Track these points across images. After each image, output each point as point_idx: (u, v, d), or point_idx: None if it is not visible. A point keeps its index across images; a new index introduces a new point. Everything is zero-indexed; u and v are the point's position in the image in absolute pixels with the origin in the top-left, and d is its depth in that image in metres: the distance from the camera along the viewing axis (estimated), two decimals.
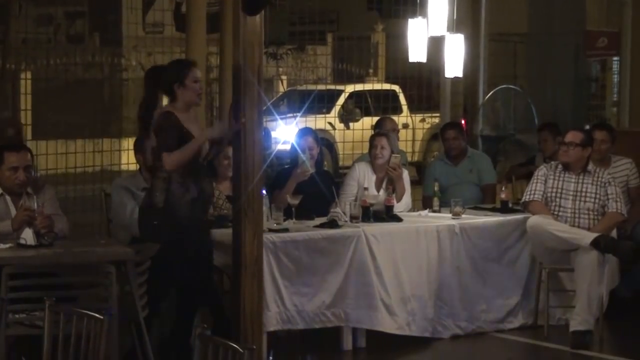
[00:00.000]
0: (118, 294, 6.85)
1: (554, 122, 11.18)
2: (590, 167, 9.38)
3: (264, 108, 8.11)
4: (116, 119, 17.48)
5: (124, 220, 8.48)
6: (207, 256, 7.80)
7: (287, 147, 10.30)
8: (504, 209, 9.83)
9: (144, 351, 7.15)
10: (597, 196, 9.25)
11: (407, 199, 9.77)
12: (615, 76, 14.93)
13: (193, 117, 7.70)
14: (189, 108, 7.63)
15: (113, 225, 8.92)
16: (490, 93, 13.18)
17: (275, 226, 8.38)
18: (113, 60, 19.23)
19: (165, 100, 7.84)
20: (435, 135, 13.72)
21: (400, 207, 9.50)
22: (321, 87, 21.19)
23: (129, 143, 11.77)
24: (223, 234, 8.09)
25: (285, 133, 14.71)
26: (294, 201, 8.75)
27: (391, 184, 9.56)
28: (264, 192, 8.09)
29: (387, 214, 9.15)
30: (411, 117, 19.61)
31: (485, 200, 10.52)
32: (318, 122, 18.42)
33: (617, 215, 9.23)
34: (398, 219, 9.11)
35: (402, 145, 12.12)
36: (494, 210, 9.89)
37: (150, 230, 7.53)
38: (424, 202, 10.45)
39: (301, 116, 17.73)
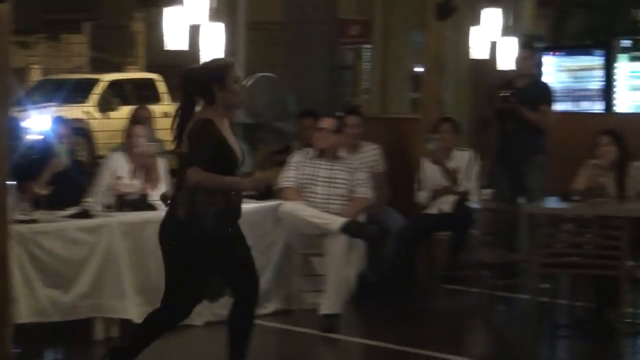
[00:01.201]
0: None
1: (313, 109, 11.32)
2: (342, 153, 9.56)
3: (16, 98, 7.85)
4: None
5: None
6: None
7: (40, 137, 10.12)
8: (259, 195, 9.89)
9: None
10: (347, 182, 9.42)
11: (163, 187, 9.74)
12: (367, 64, 15.31)
13: (227, 125, 6.87)
14: (227, 113, 6.89)
15: None
16: (249, 81, 13.20)
17: (21, 217, 8.14)
18: None
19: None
20: None
21: (156, 196, 9.46)
22: (76, 76, 21.00)
23: None
24: None
25: (38, 123, 14.41)
26: (43, 191, 8.65)
27: (148, 173, 9.53)
28: (12, 182, 7.84)
29: (142, 203, 9.09)
30: (171, 105, 19.64)
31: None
32: (74, 111, 18.27)
33: (364, 200, 9.44)
34: (153, 208, 9.07)
35: (163, 134, 12.06)
36: (249, 197, 9.84)
37: (171, 244, 6.79)
38: None
39: (57, 106, 17.52)
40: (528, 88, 10.73)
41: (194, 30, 9.41)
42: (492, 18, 12.02)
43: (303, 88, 13.67)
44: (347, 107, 12.33)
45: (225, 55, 10.10)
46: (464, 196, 10.05)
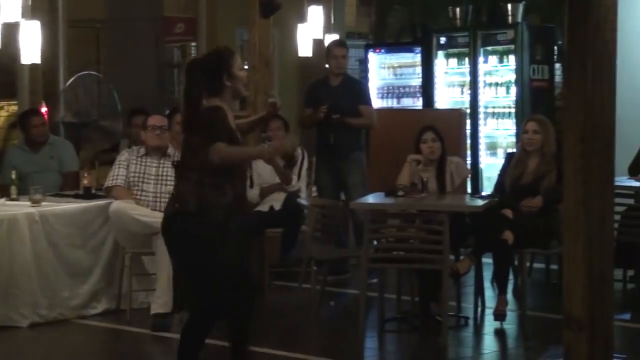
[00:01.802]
0: None
1: (143, 107, 11.23)
2: (170, 151, 9.50)
3: None
4: None
5: None
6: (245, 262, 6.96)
7: None
8: (87, 195, 9.79)
9: None
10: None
11: None
12: None
13: (231, 113, 6.77)
14: (233, 101, 6.91)
15: None
16: (71, 80, 13.03)
17: None
18: None
19: None
20: (15, 124, 13.44)
21: None
22: None
23: None
24: None
25: None
26: None
27: None
28: None
29: None
30: None
31: (66, 187, 10.42)
32: None
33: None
34: None
35: None
36: (77, 196, 9.80)
37: (179, 238, 6.59)
38: (1, 191, 10.08)
39: None
40: (343, 86, 10.89)
41: (9, 29, 9.14)
42: (315, 16, 12.07)
43: (129, 86, 13.58)
44: (175, 105, 12.20)
45: (43, 53, 9.94)
46: (294, 193, 10.09)
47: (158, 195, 9.33)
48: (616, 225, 9.56)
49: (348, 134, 10.74)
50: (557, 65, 14.26)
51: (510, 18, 14.48)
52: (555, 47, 14.53)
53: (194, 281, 6.75)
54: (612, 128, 5.13)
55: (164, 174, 9.39)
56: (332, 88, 10.90)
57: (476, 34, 14.50)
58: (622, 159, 8.78)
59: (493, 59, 14.40)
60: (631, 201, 10.10)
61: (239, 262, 6.62)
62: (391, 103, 15.05)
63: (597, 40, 5.03)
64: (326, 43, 11.70)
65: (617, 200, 9.34)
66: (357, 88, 11.25)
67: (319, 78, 11.47)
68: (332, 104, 10.60)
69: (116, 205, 9.26)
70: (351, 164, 10.79)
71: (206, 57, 7.09)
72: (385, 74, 15.45)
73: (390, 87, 15.33)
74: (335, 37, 12.35)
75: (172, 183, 9.17)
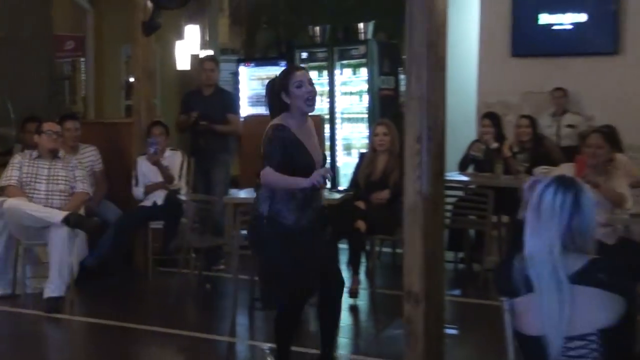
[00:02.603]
0: None
1: (35, 115, 11.04)
2: (61, 153, 9.43)
3: None
4: None
5: None
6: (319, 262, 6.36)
7: None
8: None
9: None
10: (67, 179, 9.32)
11: None
12: (83, 75, 15.13)
13: (309, 130, 6.37)
14: (303, 117, 6.34)
15: None
16: None
17: None
18: None
19: None
20: None
21: None
22: None
23: None
24: None
25: None
26: None
27: None
28: None
29: None
30: None
31: None
32: None
33: (83, 194, 9.39)
34: None
35: None
36: None
37: (257, 241, 6.33)
38: None
39: None
40: (214, 96, 10.93)
41: None
42: (192, 34, 12.05)
43: (23, 97, 13.34)
44: (65, 113, 12.04)
45: None
46: (175, 190, 10.06)
47: (50, 193, 9.23)
48: (448, 214, 9.78)
49: (216, 138, 10.77)
50: (402, 77, 14.43)
51: (362, 35, 14.64)
52: (401, 61, 14.71)
53: (275, 278, 6.39)
54: (443, 130, 5.23)
55: (55, 174, 9.31)
56: (204, 97, 10.89)
57: (333, 49, 14.64)
58: (453, 156, 8.96)
59: (348, 71, 14.56)
60: (461, 193, 10.28)
61: (311, 257, 6.21)
62: (260, 110, 15.05)
63: (431, 56, 5.14)
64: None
65: (449, 192, 9.55)
66: (226, 98, 11.27)
67: (193, 88, 11.46)
68: (202, 112, 10.61)
69: (9, 202, 9.10)
70: (217, 164, 10.82)
71: (274, 77, 6.58)
72: (255, 85, 15.48)
73: (259, 97, 15.33)
74: (210, 52, 12.33)
75: (63, 182, 9.26)
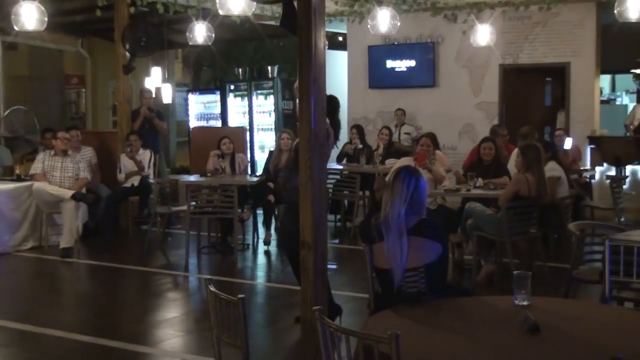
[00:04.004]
0: None
1: (51, 127, 10.80)
2: (70, 152, 9.28)
3: None
4: None
5: None
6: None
7: None
8: (19, 179, 9.43)
9: None
10: (74, 169, 9.18)
11: None
12: (83, 100, 14.82)
13: None
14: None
15: None
16: (8, 111, 12.45)
17: None
18: None
19: None
20: None
21: None
22: None
23: None
24: None
25: None
26: None
27: None
28: None
29: None
30: None
31: (6, 174, 9.92)
32: None
33: (84, 179, 9.27)
34: None
35: None
36: (13, 180, 9.42)
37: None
38: None
39: None
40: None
41: None
42: (156, 72, 11.88)
43: (45, 115, 13.07)
44: (71, 125, 11.81)
45: None
46: (146, 176, 9.97)
47: (62, 178, 9.12)
48: (330, 190, 9.87)
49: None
50: (297, 101, 14.46)
51: (270, 74, 14.63)
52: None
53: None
54: (322, 134, 5.20)
55: (66, 166, 9.19)
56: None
57: (251, 83, 14.59)
58: (333, 152, 9.06)
59: (261, 98, 14.51)
60: (338, 176, 10.35)
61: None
62: (203, 123, 14.94)
63: (314, 87, 5.11)
64: (163, 89, 11.52)
65: (330, 176, 9.65)
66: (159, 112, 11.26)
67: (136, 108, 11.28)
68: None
69: (36, 185, 9.02)
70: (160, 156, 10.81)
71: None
72: (200, 107, 15.33)
73: (203, 114, 15.22)
74: (168, 86, 12.11)
75: (72, 171, 9.11)
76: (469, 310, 3.61)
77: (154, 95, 11.03)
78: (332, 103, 5.85)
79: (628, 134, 13.36)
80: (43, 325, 5.97)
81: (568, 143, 10.04)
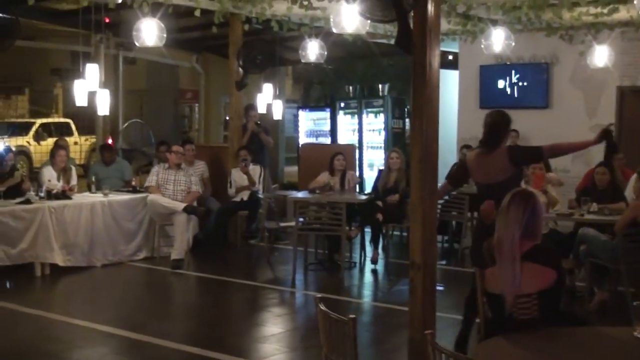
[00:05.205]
0: None
1: (165, 140, 11.18)
2: (183, 165, 9.54)
3: None
4: None
5: None
6: None
7: None
8: (134, 190, 9.78)
9: None
10: (186, 183, 9.42)
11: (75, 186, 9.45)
12: (197, 115, 15.27)
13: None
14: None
15: None
16: (126, 124, 12.92)
17: None
18: None
19: None
20: (95, 148, 13.31)
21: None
22: (21, 120, 20.63)
23: None
24: None
25: None
26: (2, 188, 8.41)
27: (65, 177, 9.27)
28: None
29: (62, 195, 8.80)
30: (79, 137, 19.17)
31: (127, 186, 10.30)
32: (19, 141, 17.77)
33: (196, 193, 9.54)
34: (69, 198, 8.82)
35: (74, 155, 11.77)
36: (129, 192, 9.76)
37: None
38: (88, 188, 9.84)
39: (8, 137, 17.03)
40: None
41: (91, 94, 8.99)
42: (268, 89, 12.07)
43: (159, 128, 13.50)
44: (185, 138, 12.18)
45: (110, 108, 9.75)
46: (255, 191, 10.12)
47: (175, 191, 9.36)
48: (438, 210, 9.74)
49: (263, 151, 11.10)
50: (407, 120, 14.43)
51: (381, 92, 14.65)
52: (406, 109, 14.70)
53: None
54: (436, 155, 5.18)
55: (179, 179, 9.42)
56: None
57: (361, 101, 14.65)
58: (441, 172, 8.95)
59: (371, 116, 14.55)
60: (446, 197, 10.20)
61: None
62: (313, 140, 15.10)
63: (428, 106, 5.07)
64: (274, 105, 11.72)
65: None
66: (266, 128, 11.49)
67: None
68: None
69: (150, 197, 9.32)
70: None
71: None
72: (310, 124, 15.51)
73: (313, 131, 15.39)
74: (279, 102, 12.32)
75: (184, 185, 9.36)
76: (585, 340, 3.47)
77: (259, 111, 11.23)
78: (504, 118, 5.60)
79: None
80: (152, 335, 6.14)
81: None
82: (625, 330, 3.43)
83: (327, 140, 14.80)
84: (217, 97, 14.87)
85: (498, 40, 8.83)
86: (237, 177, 10.25)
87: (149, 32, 7.27)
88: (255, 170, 10.29)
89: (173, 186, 9.37)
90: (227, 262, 9.52)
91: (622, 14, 8.69)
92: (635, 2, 6.53)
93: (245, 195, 10.11)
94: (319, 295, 4.08)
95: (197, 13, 8.00)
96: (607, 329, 3.74)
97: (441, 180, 10.25)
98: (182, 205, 9.08)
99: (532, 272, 3.65)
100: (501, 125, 5.53)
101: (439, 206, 9.78)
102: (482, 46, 8.81)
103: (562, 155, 6.19)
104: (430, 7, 4.96)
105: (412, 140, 5.17)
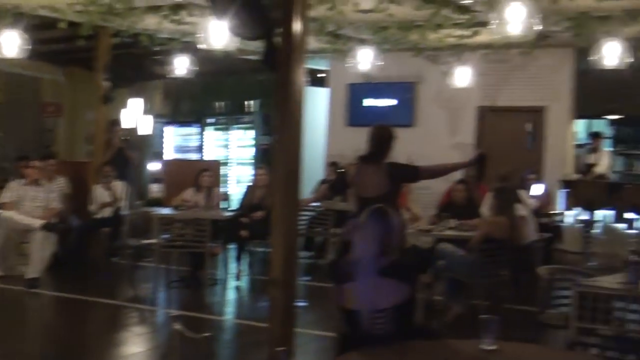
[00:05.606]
0: None
1: (23, 155, 10.70)
2: (41, 182, 9.18)
3: None
4: None
5: None
6: None
7: None
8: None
9: None
10: (45, 199, 9.10)
11: None
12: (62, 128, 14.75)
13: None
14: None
15: None
16: None
17: None
18: None
19: None
20: None
21: None
22: None
23: None
24: None
25: None
26: None
27: None
28: None
29: None
30: None
31: None
32: None
33: (55, 209, 9.19)
34: None
35: None
36: None
37: None
38: None
39: None
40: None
41: None
42: (135, 104, 11.85)
43: (20, 142, 12.95)
44: (46, 153, 11.72)
45: None
46: (118, 207, 9.88)
47: (33, 208, 9.01)
48: (304, 226, 9.82)
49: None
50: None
51: (250, 109, 14.66)
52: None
53: None
54: (298, 172, 5.16)
55: (38, 195, 9.12)
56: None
57: (231, 117, 14.62)
58: (307, 188, 9.04)
59: (240, 132, 14.54)
60: (313, 213, 10.27)
61: None
62: (181, 156, 14.92)
63: (292, 121, 5.07)
64: (143, 120, 11.51)
65: (305, 213, 9.61)
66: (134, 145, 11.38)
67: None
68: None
69: (5, 214, 8.93)
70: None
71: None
72: (178, 139, 15.34)
73: (181, 147, 15.22)
74: (149, 117, 12.11)
75: (43, 201, 8.99)
76: (434, 353, 3.57)
77: (126, 126, 10.99)
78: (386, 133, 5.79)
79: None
80: (3, 357, 5.84)
81: (537, 189, 10.02)
82: (474, 343, 3.54)
83: (196, 156, 14.65)
84: (83, 111, 14.41)
85: (366, 59, 9.02)
86: (100, 193, 9.99)
87: (10, 43, 7.02)
88: (117, 186, 10.04)
89: (31, 202, 9.01)
90: (88, 281, 9.24)
91: (484, 36, 9.08)
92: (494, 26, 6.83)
93: (108, 212, 9.83)
94: (176, 313, 4.00)
95: (64, 25, 7.73)
96: (457, 342, 3.86)
97: (306, 194, 10.38)
98: (39, 222, 8.74)
99: (387, 288, 3.72)
100: (387, 139, 5.73)
101: (305, 222, 9.87)
102: (351, 65, 8.96)
103: (437, 177, 6.34)
104: (297, 26, 4.98)
105: (275, 156, 5.15)
